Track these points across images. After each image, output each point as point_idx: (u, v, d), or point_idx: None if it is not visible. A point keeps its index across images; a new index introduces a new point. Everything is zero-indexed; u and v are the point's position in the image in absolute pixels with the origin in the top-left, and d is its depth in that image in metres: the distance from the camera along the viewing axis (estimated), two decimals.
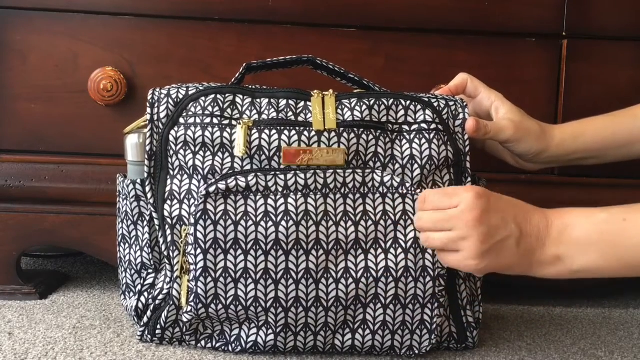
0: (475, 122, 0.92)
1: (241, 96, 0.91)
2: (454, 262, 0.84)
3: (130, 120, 0.99)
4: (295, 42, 1.13)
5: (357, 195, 0.88)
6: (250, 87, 0.93)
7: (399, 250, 0.87)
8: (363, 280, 0.86)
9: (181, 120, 0.91)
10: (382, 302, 0.87)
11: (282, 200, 0.86)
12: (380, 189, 0.88)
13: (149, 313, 0.93)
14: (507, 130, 0.94)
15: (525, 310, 1.18)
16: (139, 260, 0.94)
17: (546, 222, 0.82)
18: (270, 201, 0.86)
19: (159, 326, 0.92)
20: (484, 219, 0.81)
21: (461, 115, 0.94)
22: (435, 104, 0.93)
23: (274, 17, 1.12)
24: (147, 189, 0.92)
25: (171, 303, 0.91)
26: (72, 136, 1.13)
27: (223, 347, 0.92)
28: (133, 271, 0.95)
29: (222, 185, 0.86)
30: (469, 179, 0.94)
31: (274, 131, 0.89)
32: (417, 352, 0.91)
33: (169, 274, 0.91)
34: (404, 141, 0.91)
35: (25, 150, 1.13)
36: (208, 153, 0.90)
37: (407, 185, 0.88)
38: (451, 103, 0.94)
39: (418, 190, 0.89)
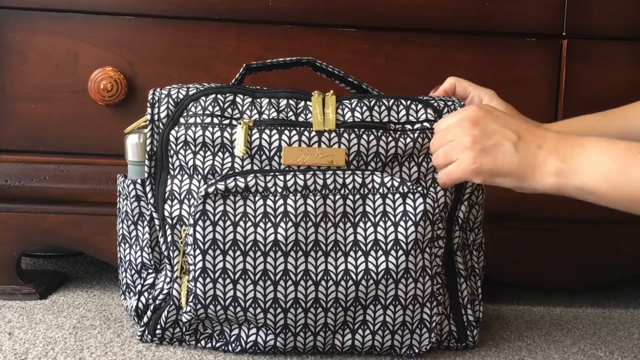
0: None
1: (241, 96, 0.91)
2: (453, 171, 0.84)
3: (130, 121, 0.99)
4: (295, 42, 1.13)
5: (357, 197, 0.88)
6: (250, 87, 0.93)
7: (400, 252, 0.87)
8: (363, 282, 0.86)
9: (181, 120, 0.91)
10: (382, 303, 0.87)
11: (281, 201, 0.86)
12: (381, 190, 0.88)
13: (149, 313, 0.93)
14: None
15: (525, 310, 1.18)
16: (139, 260, 0.94)
17: (558, 137, 0.81)
18: (269, 202, 0.86)
19: (159, 326, 0.92)
20: (480, 123, 0.82)
21: None
22: (435, 104, 0.93)
23: (274, 17, 1.12)
24: (148, 188, 0.92)
25: (171, 303, 0.91)
26: (72, 136, 1.13)
27: (223, 347, 0.92)
28: (133, 271, 0.95)
29: (221, 186, 0.86)
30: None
31: (274, 131, 0.89)
32: (417, 351, 0.91)
33: (169, 274, 0.92)
34: (408, 139, 0.91)
35: (25, 150, 1.13)
36: (208, 153, 0.90)
37: (408, 185, 0.88)
38: (449, 103, 0.94)
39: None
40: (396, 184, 0.88)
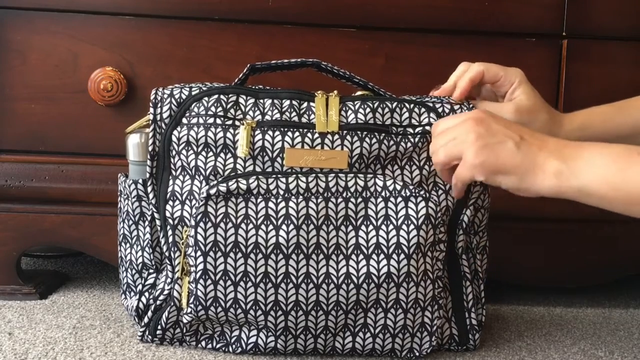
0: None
1: (244, 96, 0.91)
2: (461, 171, 0.85)
3: (130, 121, 0.99)
4: (295, 42, 1.13)
5: (359, 200, 0.88)
6: (253, 87, 0.93)
7: (402, 255, 0.87)
8: (364, 285, 0.86)
9: (184, 120, 0.90)
10: (383, 306, 0.87)
11: (282, 204, 0.86)
12: (383, 193, 0.88)
13: (149, 313, 0.93)
14: (508, 115, 0.94)
15: (525, 310, 1.18)
16: (140, 260, 0.94)
17: (557, 141, 0.82)
18: (271, 204, 0.86)
19: (159, 327, 0.92)
20: (483, 122, 0.83)
21: None
22: (440, 109, 0.93)
23: (274, 17, 1.12)
24: (149, 189, 0.92)
25: (172, 304, 0.91)
26: (72, 136, 1.13)
27: (223, 348, 0.92)
28: (134, 271, 0.95)
29: (223, 188, 0.86)
30: (477, 184, 0.93)
31: (277, 132, 0.89)
32: (417, 354, 0.91)
33: (170, 274, 0.92)
34: (409, 144, 0.91)
35: (25, 150, 1.13)
36: (210, 153, 0.89)
37: (410, 188, 0.88)
38: (457, 107, 0.94)
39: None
40: (398, 187, 0.88)
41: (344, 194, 0.88)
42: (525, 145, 0.82)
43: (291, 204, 0.86)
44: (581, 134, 0.98)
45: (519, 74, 0.97)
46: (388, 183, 0.88)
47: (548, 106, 0.98)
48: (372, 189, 0.88)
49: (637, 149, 0.77)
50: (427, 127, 0.91)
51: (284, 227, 0.85)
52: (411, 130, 0.91)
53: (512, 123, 0.85)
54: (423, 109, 0.92)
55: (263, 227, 0.85)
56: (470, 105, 0.94)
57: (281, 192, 0.86)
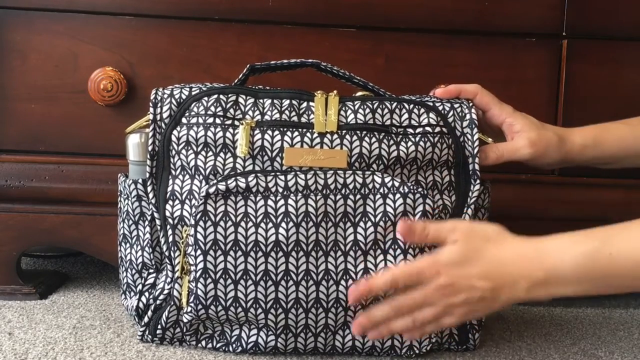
0: (484, 152, 0.93)
1: (244, 96, 0.91)
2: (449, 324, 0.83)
3: (130, 121, 0.99)
4: (295, 42, 1.13)
5: (358, 196, 0.88)
6: (253, 87, 0.93)
7: (398, 251, 0.87)
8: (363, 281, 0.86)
9: (184, 120, 0.90)
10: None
11: (282, 202, 0.86)
12: (381, 190, 0.88)
13: (149, 313, 0.93)
14: (524, 150, 0.93)
15: (525, 310, 1.18)
16: (140, 260, 0.94)
17: (524, 271, 0.79)
18: (270, 202, 0.86)
19: (159, 326, 0.92)
20: (451, 291, 0.80)
21: (467, 117, 0.93)
22: (440, 108, 0.93)
23: (274, 17, 1.12)
24: (149, 188, 0.92)
25: (172, 303, 0.91)
26: (72, 136, 1.13)
27: (223, 348, 0.92)
28: (134, 271, 0.95)
29: (222, 186, 0.86)
30: (477, 184, 0.93)
31: (276, 132, 0.89)
32: (417, 351, 0.91)
33: (169, 274, 0.92)
34: (410, 143, 0.91)
35: (25, 150, 1.13)
36: (210, 153, 0.89)
37: (408, 185, 0.88)
38: (456, 105, 0.94)
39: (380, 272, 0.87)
40: (397, 184, 0.88)
41: (343, 191, 0.88)
42: (499, 293, 0.79)
43: (290, 201, 0.86)
44: (595, 150, 0.97)
45: (509, 108, 0.96)
46: (386, 180, 0.88)
47: (548, 125, 0.97)
48: (370, 186, 0.88)
49: (606, 247, 0.76)
50: (427, 128, 0.91)
51: (283, 224, 0.85)
52: (412, 131, 0.91)
53: (474, 264, 0.80)
54: (423, 109, 0.92)
55: (263, 224, 0.86)
56: (470, 105, 0.94)
57: (280, 190, 0.87)
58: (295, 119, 0.90)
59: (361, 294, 0.81)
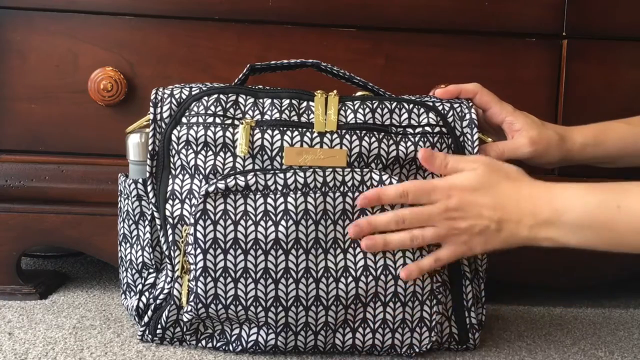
0: (484, 150, 0.93)
1: (244, 96, 0.91)
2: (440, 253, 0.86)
3: (130, 120, 0.99)
4: (295, 42, 1.13)
5: (357, 194, 0.88)
6: (253, 87, 0.93)
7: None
8: (363, 278, 0.86)
9: (184, 119, 0.91)
10: (382, 300, 0.87)
11: (281, 200, 0.86)
12: (379, 187, 0.88)
13: (149, 313, 0.93)
14: (524, 148, 0.94)
15: (525, 310, 1.18)
16: (140, 259, 0.94)
17: (532, 208, 0.82)
18: (269, 200, 0.86)
19: (159, 326, 0.92)
20: (460, 215, 0.83)
21: (467, 116, 0.93)
22: (440, 107, 0.93)
23: (274, 17, 1.12)
24: (149, 188, 0.92)
25: (172, 303, 0.91)
26: (72, 136, 1.13)
27: (223, 347, 0.92)
28: (134, 271, 0.95)
29: (221, 185, 0.86)
30: None
31: (276, 131, 0.89)
32: (417, 350, 0.91)
33: (169, 273, 0.92)
34: (409, 143, 0.91)
35: (25, 150, 1.13)
36: (210, 153, 0.90)
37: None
38: (456, 105, 0.94)
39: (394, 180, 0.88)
40: (394, 181, 0.88)
41: (342, 189, 0.88)
42: (505, 227, 0.83)
43: (289, 199, 0.86)
44: (595, 149, 0.97)
45: (509, 106, 0.96)
46: (384, 177, 0.88)
47: (548, 124, 0.97)
48: (368, 183, 0.88)
49: (614, 200, 0.78)
50: (427, 128, 0.91)
51: (283, 222, 0.85)
52: (411, 131, 0.91)
53: (485, 194, 0.84)
54: (422, 109, 0.92)
55: (262, 222, 0.86)
56: (470, 104, 0.94)
57: (279, 188, 0.87)
58: (295, 118, 0.90)
59: (370, 201, 0.84)
